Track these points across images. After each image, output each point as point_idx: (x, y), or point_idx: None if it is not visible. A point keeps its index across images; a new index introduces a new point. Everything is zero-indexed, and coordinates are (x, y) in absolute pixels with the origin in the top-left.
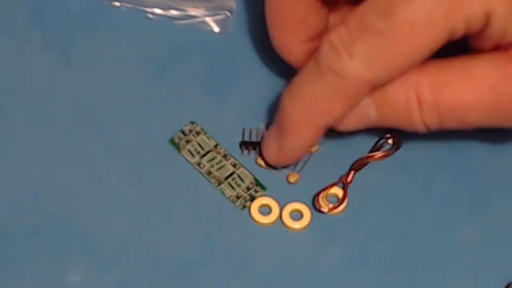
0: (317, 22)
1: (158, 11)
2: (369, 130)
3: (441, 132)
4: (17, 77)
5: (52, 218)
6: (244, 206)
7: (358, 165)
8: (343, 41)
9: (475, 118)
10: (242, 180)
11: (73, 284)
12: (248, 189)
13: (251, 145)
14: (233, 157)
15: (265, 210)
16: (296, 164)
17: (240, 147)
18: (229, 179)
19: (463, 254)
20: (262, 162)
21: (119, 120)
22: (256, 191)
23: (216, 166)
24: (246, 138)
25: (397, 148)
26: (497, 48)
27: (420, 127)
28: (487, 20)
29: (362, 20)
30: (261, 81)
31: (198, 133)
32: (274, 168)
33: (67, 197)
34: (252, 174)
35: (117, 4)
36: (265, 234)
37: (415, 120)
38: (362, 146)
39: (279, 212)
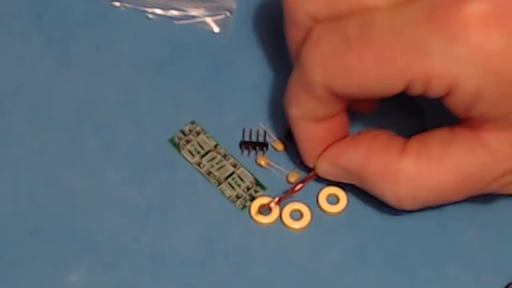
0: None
1: (158, 11)
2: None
3: None
4: (17, 77)
5: (52, 218)
6: (244, 206)
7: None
8: (317, 36)
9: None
10: (242, 180)
11: (73, 284)
12: (248, 189)
13: (251, 145)
14: (233, 157)
15: (265, 210)
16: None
17: (240, 147)
18: (229, 179)
19: (463, 254)
20: (262, 162)
21: (119, 120)
22: (256, 191)
23: (216, 166)
24: (246, 138)
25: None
26: (471, 121)
27: (397, 209)
28: (449, 88)
29: (344, 21)
30: (261, 81)
31: (198, 133)
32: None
33: (67, 197)
34: (252, 174)
35: (117, 4)
36: (265, 234)
37: (393, 206)
38: None
39: (279, 212)
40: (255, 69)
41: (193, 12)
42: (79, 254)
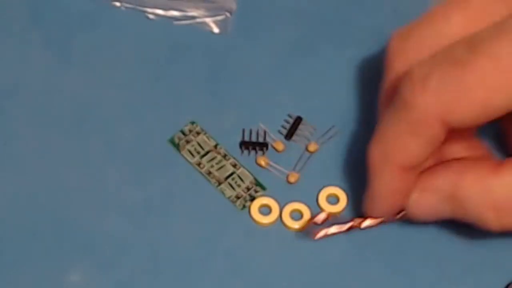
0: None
1: (158, 11)
2: None
3: None
4: (17, 77)
5: (52, 218)
6: (244, 206)
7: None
8: (422, 72)
9: None
10: (242, 180)
11: (73, 284)
12: (248, 189)
13: (251, 145)
14: (233, 157)
15: (265, 210)
16: (296, 165)
17: (240, 147)
18: (229, 179)
19: (463, 254)
20: (262, 162)
21: (119, 120)
22: (256, 191)
23: (216, 166)
24: (246, 138)
25: None
26: None
27: (497, 230)
28: None
29: (447, 49)
30: (261, 81)
31: (198, 133)
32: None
33: (67, 197)
34: (252, 174)
35: (117, 4)
36: (265, 234)
37: (492, 226)
38: (362, 146)
39: (279, 212)
40: (255, 69)
41: (193, 12)
42: (79, 254)
